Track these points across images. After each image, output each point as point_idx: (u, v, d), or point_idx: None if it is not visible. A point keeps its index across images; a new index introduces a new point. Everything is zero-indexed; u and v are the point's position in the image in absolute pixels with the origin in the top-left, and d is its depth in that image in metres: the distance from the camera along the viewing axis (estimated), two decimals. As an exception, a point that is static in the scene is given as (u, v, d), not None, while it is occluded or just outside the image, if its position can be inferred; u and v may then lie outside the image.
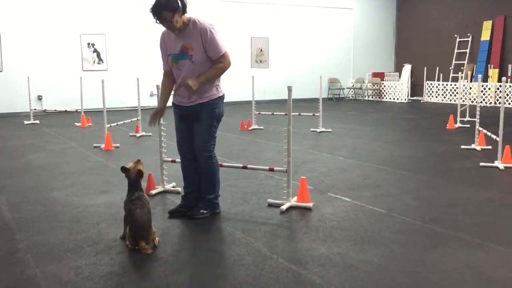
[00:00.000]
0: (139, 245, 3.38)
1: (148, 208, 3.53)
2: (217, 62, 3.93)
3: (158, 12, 3.75)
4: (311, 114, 10.04)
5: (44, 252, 3.42)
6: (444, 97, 16.74)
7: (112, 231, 3.82)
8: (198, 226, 3.96)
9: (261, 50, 16.89)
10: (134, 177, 3.57)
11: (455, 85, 16.19)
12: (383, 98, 18.08)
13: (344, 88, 18.47)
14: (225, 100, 4.19)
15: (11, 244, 3.59)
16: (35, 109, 12.01)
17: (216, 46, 3.89)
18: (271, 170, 4.74)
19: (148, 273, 3.09)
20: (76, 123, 10.95)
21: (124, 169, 3.61)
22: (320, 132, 9.40)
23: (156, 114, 4.10)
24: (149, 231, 3.45)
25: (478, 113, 7.25)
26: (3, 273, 3.09)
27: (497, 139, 6.24)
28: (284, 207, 4.33)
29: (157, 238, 3.54)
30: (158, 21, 3.82)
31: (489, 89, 15.29)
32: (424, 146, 7.84)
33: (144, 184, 5.11)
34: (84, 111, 11.13)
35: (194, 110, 4.01)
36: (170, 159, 5.17)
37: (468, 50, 16.74)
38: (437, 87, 17.05)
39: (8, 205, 4.58)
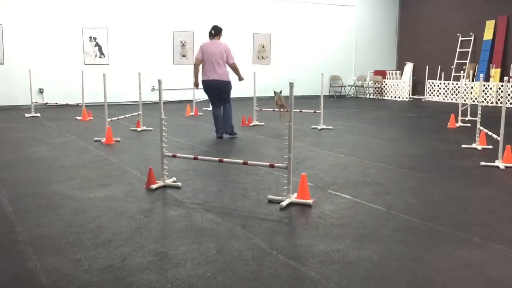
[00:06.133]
0: None
1: None
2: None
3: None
4: (312, 111, 10.04)
5: (44, 245, 3.42)
6: (446, 96, 16.72)
7: (112, 225, 3.83)
8: (198, 221, 3.96)
9: (263, 47, 16.86)
10: None
11: (456, 84, 16.17)
12: (384, 96, 18.06)
13: (345, 86, 18.45)
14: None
15: (11, 236, 3.60)
16: (36, 102, 12.01)
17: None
18: (271, 166, 4.74)
19: (147, 267, 3.09)
20: (77, 117, 10.95)
21: None
22: (321, 129, 9.39)
23: None
24: None
25: (479, 112, 7.24)
26: (3, 265, 3.10)
27: (498, 138, 6.24)
28: (284, 203, 4.33)
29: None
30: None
31: (491, 88, 15.26)
32: (425, 144, 7.84)
33: (144, 178, 5.15)
34: (85, 105, 11.14)
35: None
36: (171, 153, 5.17)
37: (470, 49, 16.70)
38: (438, 86, 17.03)
39: (8, 198, 4.59)
